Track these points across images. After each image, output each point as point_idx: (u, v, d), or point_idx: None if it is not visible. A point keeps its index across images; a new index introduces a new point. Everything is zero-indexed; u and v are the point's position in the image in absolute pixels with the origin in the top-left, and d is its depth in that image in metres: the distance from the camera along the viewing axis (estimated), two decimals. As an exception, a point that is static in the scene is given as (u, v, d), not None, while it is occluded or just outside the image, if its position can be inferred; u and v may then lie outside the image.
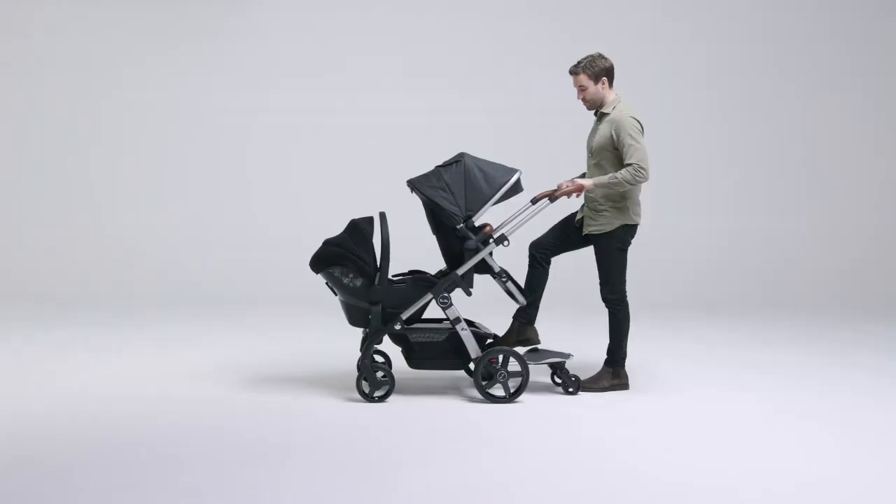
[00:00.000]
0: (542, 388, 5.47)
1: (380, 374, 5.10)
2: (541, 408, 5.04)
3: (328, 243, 5.15)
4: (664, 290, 9.26)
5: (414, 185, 5.16)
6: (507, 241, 5.23)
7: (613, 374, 5.42)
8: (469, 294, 5.25)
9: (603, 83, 5.34)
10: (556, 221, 5.65)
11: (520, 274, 5.57)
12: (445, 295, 5.14)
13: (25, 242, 9.52)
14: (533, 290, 5.44)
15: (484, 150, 9.91)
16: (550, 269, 5.53)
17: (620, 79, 9.96)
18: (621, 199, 5.31)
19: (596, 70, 5.31)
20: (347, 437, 4.43)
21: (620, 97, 5.42)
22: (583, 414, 4.92)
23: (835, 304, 8.99)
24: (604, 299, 5.39)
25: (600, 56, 5.37)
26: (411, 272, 5.41)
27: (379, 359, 5.61)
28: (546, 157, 10.08)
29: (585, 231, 5.40)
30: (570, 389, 5.31)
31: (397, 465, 4.02)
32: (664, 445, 4.34)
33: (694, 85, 10.05)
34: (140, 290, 9.04)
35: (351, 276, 5.10)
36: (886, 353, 6.67)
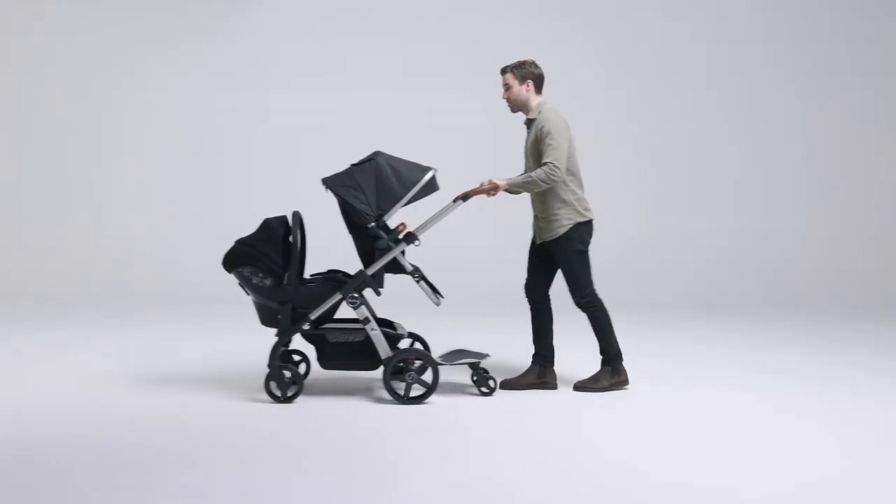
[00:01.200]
0: (538, 390, 5.47)
1: (287, 374, 5.08)
2: (538, 408, 5.04)
3: (239, 243, 5.14)
4: (664, 290, 9.26)
5: (327, 183, 5.15)
6: (419, 240, 5.20)
7: (612, 373, 5.43)
8: (378, 294, 5.22)
9: (528, 85, 5.39)
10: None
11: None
12: (355, 294, 5.10)
13: (25, 242, 9.52)
14: (542, 335, 5.51)
15: (484, 150, 9.95)
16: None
17: (622, 79, 10.02)
18: (559, 200, 5.29)
19: (523, 72, 5.38)
20: (347, 438, 4.43)
21: (546, 102, 5.44)
22: (582, 414, 4.92)
23: (835, 304, 9.00)
24: (577, 304, 5.40)
25: (532, 63, 5.43)
26: (329, 271, 5.37)
27: (298, 359, 5.60)
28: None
29: (540, 240, 5.41)
30: (484, 390, 5.27)
31: (397, 466, 4.01)
32: (664, 445, 4.33)
33: (694, 85, 10.06)
34: (140, 290, 9.05)
35: (260, 275, 5.09)
36: (886, 353, 6.67)
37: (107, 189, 9.74)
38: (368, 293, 5.38)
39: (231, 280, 9.45)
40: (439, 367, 5.17)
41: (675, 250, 9.71)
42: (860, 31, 10.07)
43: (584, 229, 5.35)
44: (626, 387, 5.45)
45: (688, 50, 10.03)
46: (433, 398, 5.20)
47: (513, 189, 5.29)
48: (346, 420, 4.76)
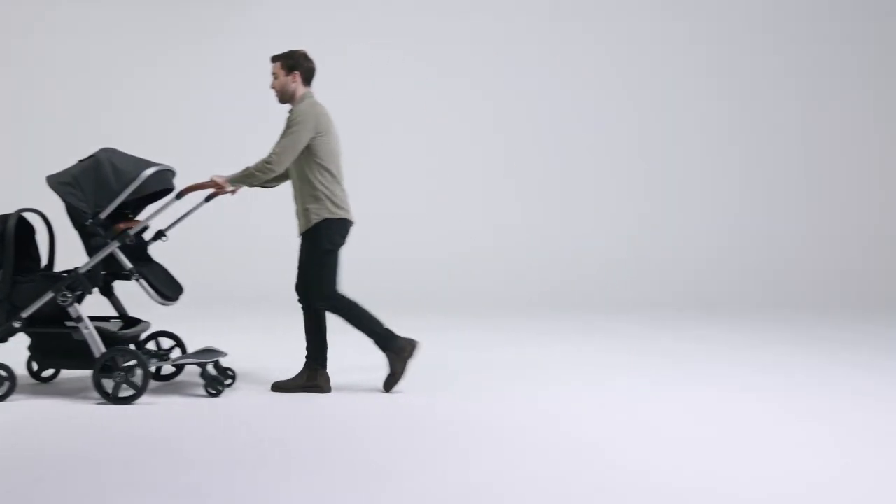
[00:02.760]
0: (534, 390, 5.47)
1: (2, 373, 5.05)
2: (536, 408, 5.03)
3: None
4: (664, 290, 9.26)
5: (47, 181, 5.10)
6: (131, 238, 5.16)
7: (310, 376, 5.25)
8: (90, 293, 5.16)
9: (294, 77, 5.30)
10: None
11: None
12: (66, 293, 5.03)
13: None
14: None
15: (485, 149, 9.93)
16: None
17: (621, 79, 10.01)
18: (311, 195, 5.23)
19: (291, 63, 5.30)
20: (348, 438, 4.43)
21: (312, 96, 5.35)
22: (581, 415, 4.92)
23: (835, 304, 9.00)
24: (315, 304, 5.24)
25: (303, 54, 5.35)
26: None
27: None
28: (552, 155, 10.09)
29: (299, 234, 5.33)
30: (211, 391, 5.17)
31: (398, 466, 4.01)
32: (663, 446, 4.33)
33: (694, 85, 10.06)
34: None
35: None
36: (886, 353, 6.67)
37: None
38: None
39: (230, 280, 9.47)
40: (169, 365, 5.22)
41: (675, 250, 9.70)
42: (860, 31, 10.07)
43: (334, 227, 5.22)
44: (326, 393, 5.25)
45: (687, 49, 10.04)
46: (432, 400, 5.20)
47: (239, 182, 5.21)
48: (346, 420, 4.75)
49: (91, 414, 4.82)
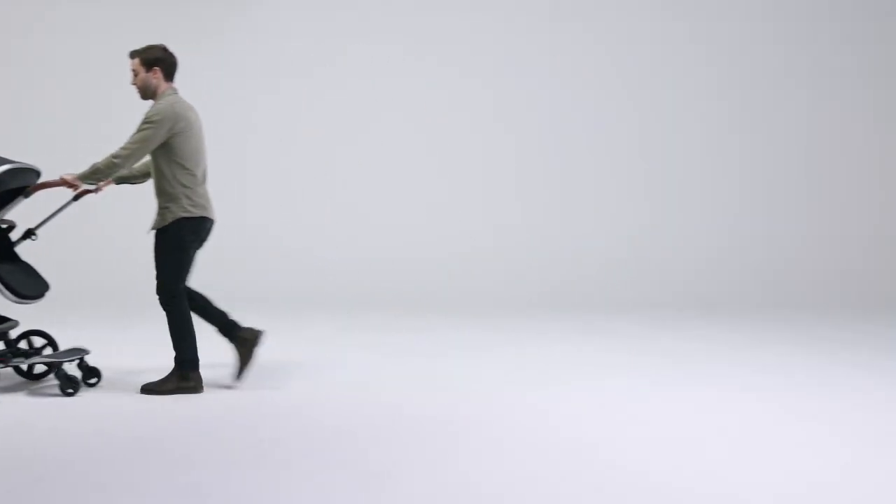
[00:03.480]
0: (534, 391, 5.47)
1: None
2: (535, 408, 5.03)
3: None
4: (664, 290, 9.27)
5: None
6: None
7: (180, 377, 5.21)
8: None
9: (155, 73, 5.21)
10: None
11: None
12: None
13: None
14: (208, 316, 5.36)
15: (485, 149, 9.93)
16: None
17: (622, 79, 10.01)
18: (166, 194, 5.19)
19: (149, 58, 5.20)
20: (347, 437, 4.43)
21: (176, 92, 5.29)
22: (581, 415, 4.92)
23: (835, 304, 9.00)
24: (158, 299, 5.26)
25: (162, 48, 5.26)
26: None
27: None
28: (552, 155, 10.09)
29: (151, 227, 5.27)
30: (69, 390, 5.13)
31: (398, 465, 4.01)
32: (663, 446, 4.33)
33: (694, 85, 10.06)
34: (140, 290, 9.03)
35: None
36: (886, 353, 6.67)
37: (106, 189, 9.73)
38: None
39: (230, 280, 9.46)
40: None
41: (675, 250, 9.71)
42: (860, 31, 10.07)
43: (189, 226, 5.19)
44: (199, 392, 5.22)
45: (687, 50, 10.04)
46: (431, 400, 5.20)
47: (89, 179, 5.16)
48: (346, 420, 4.75)
49: (90, 414, 4.82)
